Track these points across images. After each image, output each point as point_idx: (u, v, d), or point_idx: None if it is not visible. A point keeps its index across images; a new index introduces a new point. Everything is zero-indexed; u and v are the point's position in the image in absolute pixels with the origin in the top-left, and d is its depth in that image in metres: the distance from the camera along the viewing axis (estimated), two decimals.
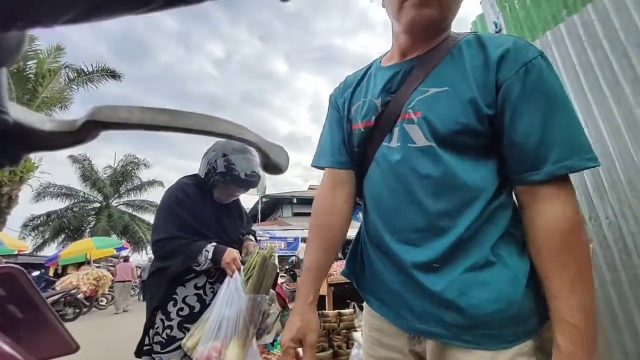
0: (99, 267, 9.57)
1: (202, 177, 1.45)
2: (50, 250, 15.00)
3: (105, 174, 17.95)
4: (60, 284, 7.80)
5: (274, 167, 0.29)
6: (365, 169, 0.72)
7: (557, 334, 0.50)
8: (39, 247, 15.62)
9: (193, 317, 1.30)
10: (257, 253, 1.41)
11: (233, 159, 1.38)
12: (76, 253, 9.57)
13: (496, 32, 1.31)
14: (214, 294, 1.35)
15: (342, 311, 1.80)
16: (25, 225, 15.52)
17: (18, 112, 0.21)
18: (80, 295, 7.46)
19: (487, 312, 0.53)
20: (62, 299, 7.07)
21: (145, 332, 1.32)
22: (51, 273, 9.70)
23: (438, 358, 0.58)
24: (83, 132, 0.22)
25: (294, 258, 9.17)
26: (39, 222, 15.88)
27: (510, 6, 1.26)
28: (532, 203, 0.55)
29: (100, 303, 8.89)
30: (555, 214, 0.52)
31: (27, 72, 9.66)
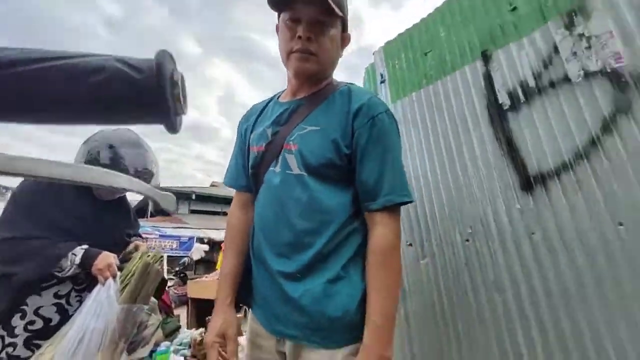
0: None
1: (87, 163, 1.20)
2: None
3: None
4: None
5: (162, 211, 0.37)
6: (257, 190, 0.83)
7: (365, 331, 0.65)
8: None
9: (47, 331, 1.10)
10: (140, 258, 1.27)
11: (122, 152, 1.21)
12: None
13: (381, 82, 1.60)
14: (81, 303, 1.16)
15: None
16: None
17: None
18: None
19: (329, 318, 0.67)
20: None
21: None
22: None
23: (294, 357, 0.71)
24: None
25: (186, 259, 8.49)
26: None
27: (392, 64, 1.56)
28: (371, 227, 0.72)
29: None
30: (381, 236, 0.69)
31: None
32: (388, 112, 0.76)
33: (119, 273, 1.20)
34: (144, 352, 1.41)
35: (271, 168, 0.79)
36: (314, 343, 0.68)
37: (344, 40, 0.83)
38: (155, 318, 1.44)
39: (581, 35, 0.97)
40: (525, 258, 0.97)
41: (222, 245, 8.57)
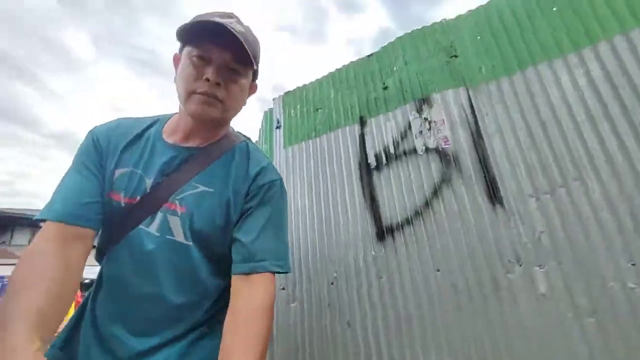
0: None
1: None
2: None
3: None
4: None
5: None
6: (111, 244, 0.67)
7: None
8: None
9: None
10: None
11: None
12: None
13: (277, 127, 1.70)
14: None
15: None
16: None
17: None
18: None
19: None
20: None
21: None
22: None
23: None
24: None
25: None
26: None
27: (289, 113, 1.69)
28: (241, 288, 0.64)
29: None
30: (254, 296, 0.63)
31: None
32: (281, 180, 0.78)
33: None
34: None
35: (142, 227, 0.65)
36: None
37: (251, 89, 0.79)
38: None
39: (425, 119, 1.24)
40: (373, 297, 1.08)
41: None
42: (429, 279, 1.00)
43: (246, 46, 0.64)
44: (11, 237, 10.02)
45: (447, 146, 1.16)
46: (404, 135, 1.28)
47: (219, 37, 0.64)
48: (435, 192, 1.09)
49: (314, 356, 1.15)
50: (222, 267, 0.69)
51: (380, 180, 1.24)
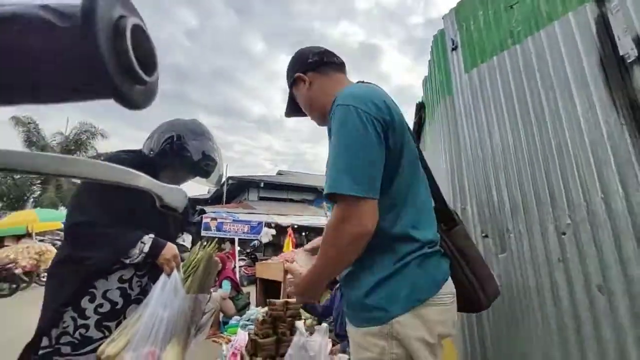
0: (42, 240, 8.88)
1: (148, 154, 1.25)
2: None
3: (54, 140, 16.38)
4: None
5: (168, 208, 0.30)
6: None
7: None
8: None
9: (115, 314, 1.15)
10: (199, 251, 1.33)
11: (194, 142, 1.23)
12: (16, 224, 8.80)
13: (452, 49, 1.39)
14: (141, 288, 1.23)
15: (289, 300, 1.85)
16: None
17: None
18: (18, 270, 6.91)
19: (351, 303, 0.75)
20: None
21: (43, 332, 1.08)
22: None
23: None
24: None
25: (256, 242, 9.15)
26: None
27: (466, 26, 1.34)
28: None
29: (43, 279, 8.32)
30: (330, 217, 0.71)
31: None
32: (335, 102, 0.74)
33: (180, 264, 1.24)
34: (202, 336, 1.47)
35: None
36: (349, 319, 0.78)
37: (299, 81, 0.90)
38: (211, 306, 1.49)
39: None
40: None
41: (288, 229, 8.95)
42: None
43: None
44: (247, 195, 14.12)
45: None
46: None
47: None
48: None
49: (547, 316, 0.92)
50: None
51: None
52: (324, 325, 1.50)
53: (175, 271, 1.21)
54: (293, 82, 0.93)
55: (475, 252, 0.82)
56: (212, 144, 1.31)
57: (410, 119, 2.27)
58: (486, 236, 1.13)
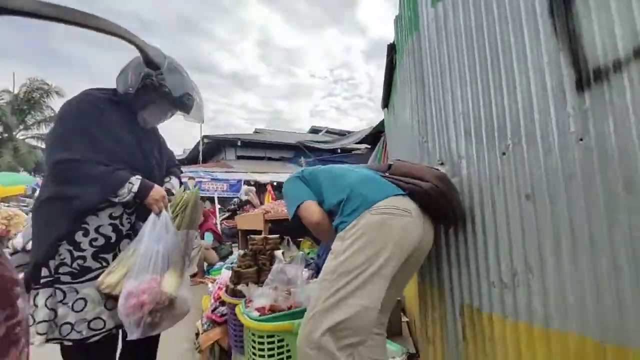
0: (8, 206, 8.50)
1: (124, 93, 1.22)
2: None
3: (2, 99, 14.91)
4: None
5: (151, 63, 0.34)
6: None
7: None
8: None
9: (110, 247, 1.22)
10: (185, 192, 1.40)
11: (170, 77, 1.21)
12: None
13: None
14: (131, 224, 1.30)
15: (268, 236, 1.99)
16: None
17: None
18: None
19: None
20: None
21: (41, 264, 1.14)
22: None
23: None
24: None
25: (236, 199, 9.27)
26: None
27: None
28: None
29: (16, 244, 8.10)
30: None
31: None
32: None
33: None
34: (191, 270, 1.62)
35: None
36: None
37: None
38: (197, 242, 1.60)
39: None
40: (568, 164, 0.86)
41: (267, 186, 9.00)
42: None
43: None
44: (224, 154, 13.91)
45: None
46: None
47: None
48: None
49: (485, 229, 1.09)
50: None
51: (588, 4, 0.86)
52: (301, 253, 1.66)
53: (164, 210, 1.28)
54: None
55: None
56: (186, 75, 1.30)
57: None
58: (442, 163, 1.25)
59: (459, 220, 1.16)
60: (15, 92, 14.89)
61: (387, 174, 1.19)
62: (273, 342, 1.31)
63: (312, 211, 1.13)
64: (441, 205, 1.09)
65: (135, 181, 1.22)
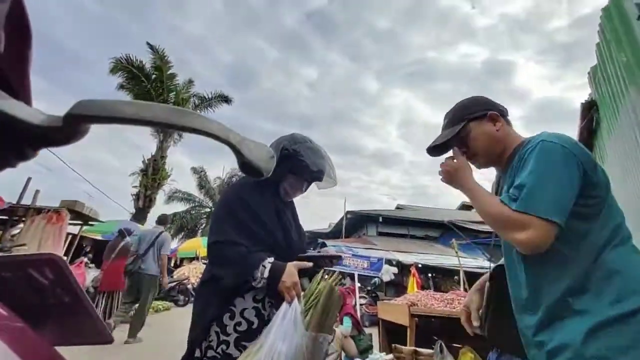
0: (205, 263, 11.09)
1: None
2: (173, 245, 18.25)
3: (215, 184, 21.10)
4: (177, 274, 9.27)
5: (250, 166, 0.24)
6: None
7: None
8: None
9: (251, 334, 1.15)
10: (321, 279, 1.23)
11: (306, 151, 1.28)
12: (189, 249, 11.31)
13: (638, 17, 1.01)
14: (272, 307, 1.21)
15: (418, 349, 1.58)
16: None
17: (4, 105, 0.22)
18: (189, 286, 8.67)
19: None
20: (177, 286, 8.34)
21: (195, 343, 1.17)
22: (171, 264, 11.72)
23: None
24: (68, 126, 0.22)
25: (376, 280, 8.67)
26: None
27: None
28: None
29: None
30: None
31: (169, 101, 12.30)
32: (545, 140, 0.81)
33: (302, 293, 1.17)
34: None
35: None
36: None
37: (490, 120, 0.95)
38: (334, 347, 1.36)
39: None
40: None
41: (412, 268, 8.19)
42: None
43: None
44: (366, 230, 14.22)
45: None
46: None
47: None
48: None
49: None
50: None
51: None
52: None
53: (295, 301, 1.15)
54: (478, 117, 0.95)
55: None
56: (316, 145, 1.34)
57: (572, 133, 1.76)
58: None
59: None
60: (223, 177, 20.85)
61: None
62: None
63: (535, 235, 0.75)
64: None
65: (267, 264, 1.16)
